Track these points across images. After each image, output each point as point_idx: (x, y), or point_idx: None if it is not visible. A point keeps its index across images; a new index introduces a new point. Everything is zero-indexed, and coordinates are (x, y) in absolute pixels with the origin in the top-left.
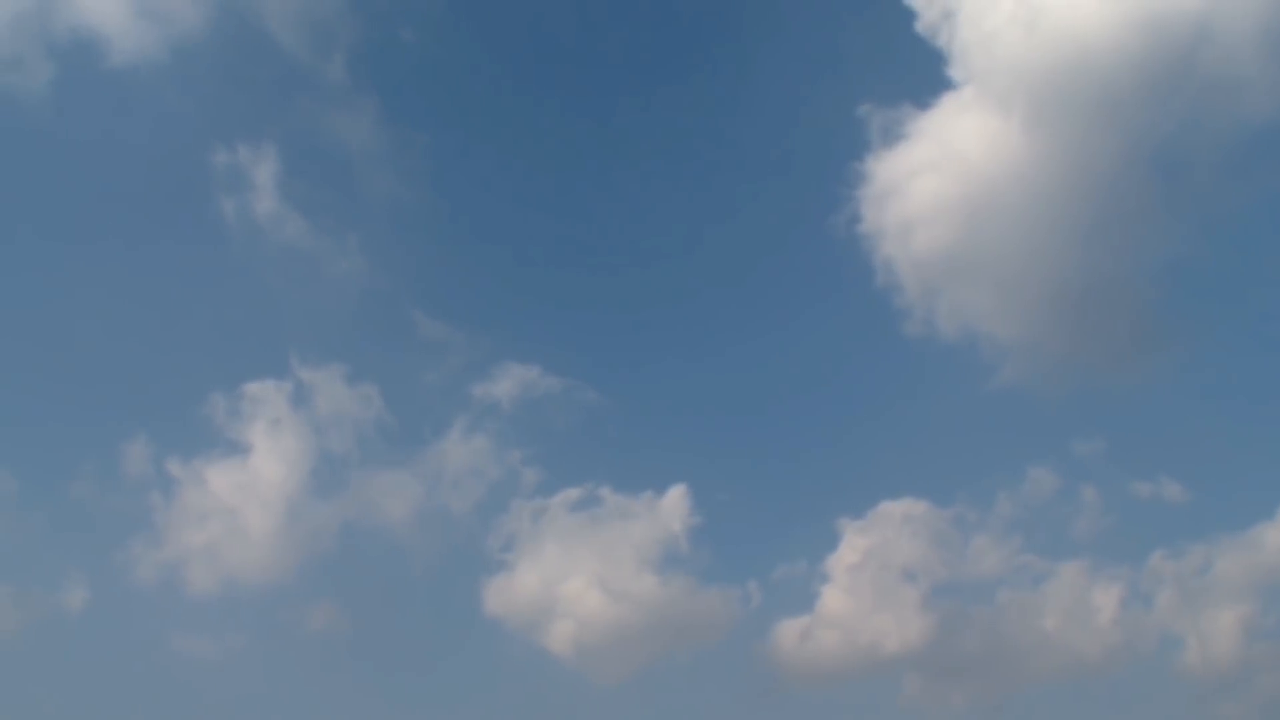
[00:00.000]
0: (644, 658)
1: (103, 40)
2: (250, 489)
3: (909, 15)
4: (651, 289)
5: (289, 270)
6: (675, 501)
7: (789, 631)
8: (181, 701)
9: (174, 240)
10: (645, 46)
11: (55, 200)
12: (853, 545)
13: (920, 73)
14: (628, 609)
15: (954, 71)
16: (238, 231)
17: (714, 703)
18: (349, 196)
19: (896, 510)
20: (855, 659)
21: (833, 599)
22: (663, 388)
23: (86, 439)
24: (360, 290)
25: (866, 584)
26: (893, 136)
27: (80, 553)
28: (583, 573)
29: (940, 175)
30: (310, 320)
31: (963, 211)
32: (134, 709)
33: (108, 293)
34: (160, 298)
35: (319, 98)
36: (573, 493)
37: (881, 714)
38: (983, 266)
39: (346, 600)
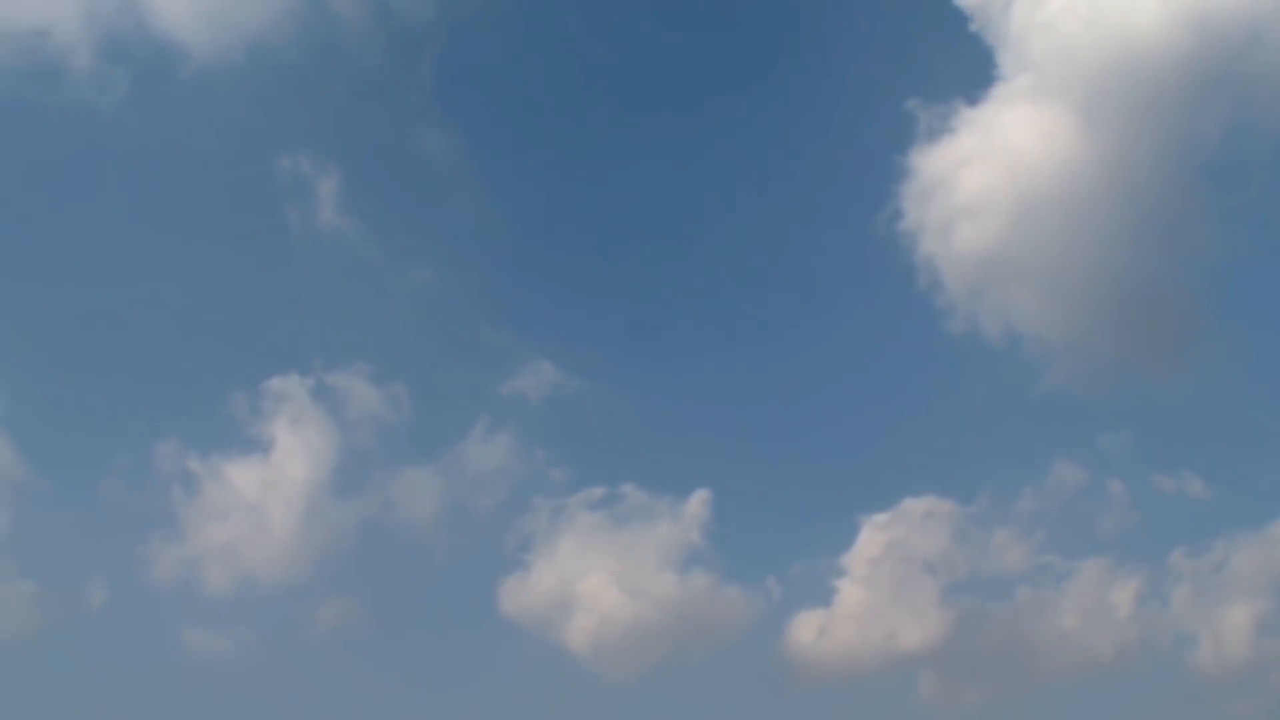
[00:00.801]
0: (661, 655)
1: (178, 45)
2: (272, 486)
3: (960, 9)
4: (684, 284)
5: (317, 268)
6: (697, 500)
7: (806, 629)
8: (203, 698)
9: (214, 241)
10: (702, 48)
11: (117, 201)
12: (873, 542)
13: (970, 67)
14: (646, 606)
15: (1005, 66)
16: (271, 227)
17: (730, 699)
18: (386, 196)
19: (918, 507)
20: (873, 656)
21: (851, 596)
22: (688, 383)
23: (117, 437)
24: (385, 288)
25: (886, 581)
26: (940, 131)
27: (104, 550)
28: (602, 571)
29: (988, 170)
30: (334, 317)
31: (1009, 207)
32: (153, 705)
33: (142, 294)
34: (194, 297)
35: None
36: (595, 491)
37: (898, 712)
38: (1026, 264)
39: (366, 597)
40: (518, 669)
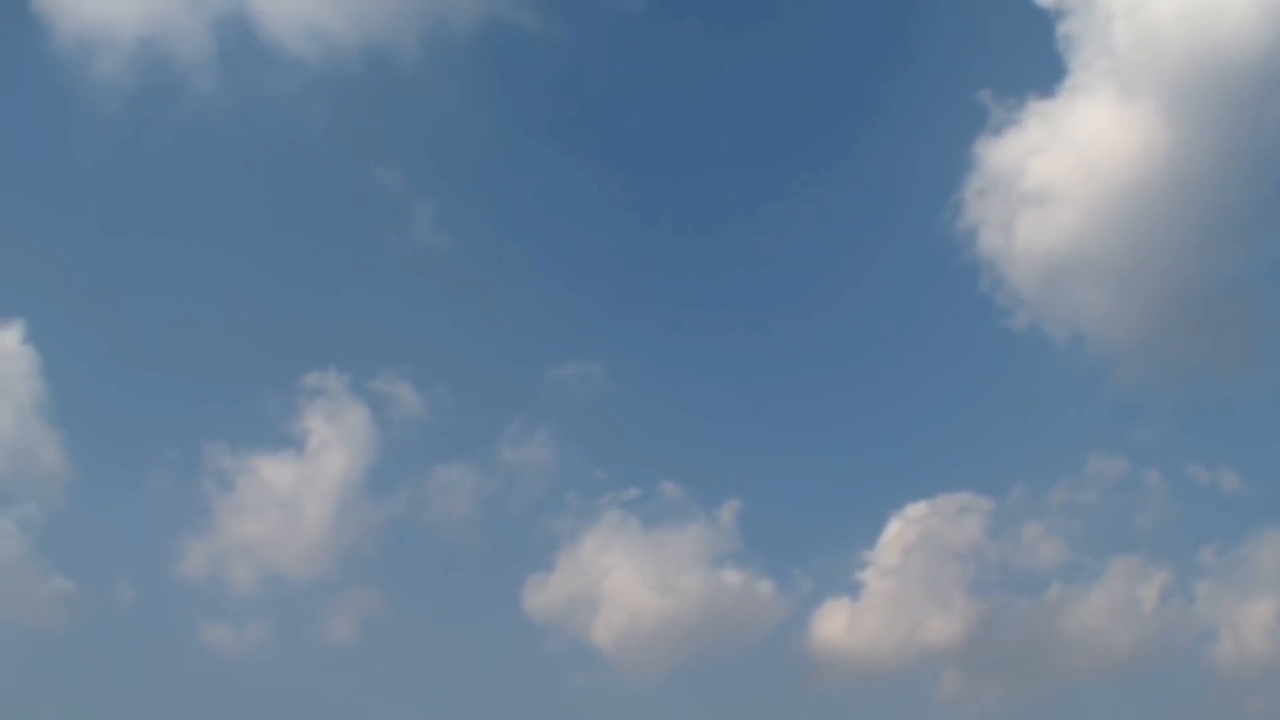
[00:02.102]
0: (688, 652)
1: (281, 50)
2: (307, 483)
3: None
4: (734, 280)
5: (357, 267)
6: (730, 497)
7: (834, 624)
8: (232, 693)
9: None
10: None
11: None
12: (903, 537)
13: (1044, 58)
14: (675, 603)
15: (1080, 58)
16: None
17: (755, 694)
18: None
19: (951, 503)
20: (899, 652)
21: (879, 592)
22: (726, 381)
23: (161, 434)
24: (424, 287)
25: (914, 577)
26: (1011, 124)
27: (140, 546)
28: (632, 568)
29: (1059, 164)
30: (374, 316)
31: (1079, 203)
32: (180, 701)
33: (197, 292)
34: (246, 294)
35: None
36: (629, 490)
37: (923, 707)
38: (1095, 261)
39: (397, 594)
40: (545, 666)
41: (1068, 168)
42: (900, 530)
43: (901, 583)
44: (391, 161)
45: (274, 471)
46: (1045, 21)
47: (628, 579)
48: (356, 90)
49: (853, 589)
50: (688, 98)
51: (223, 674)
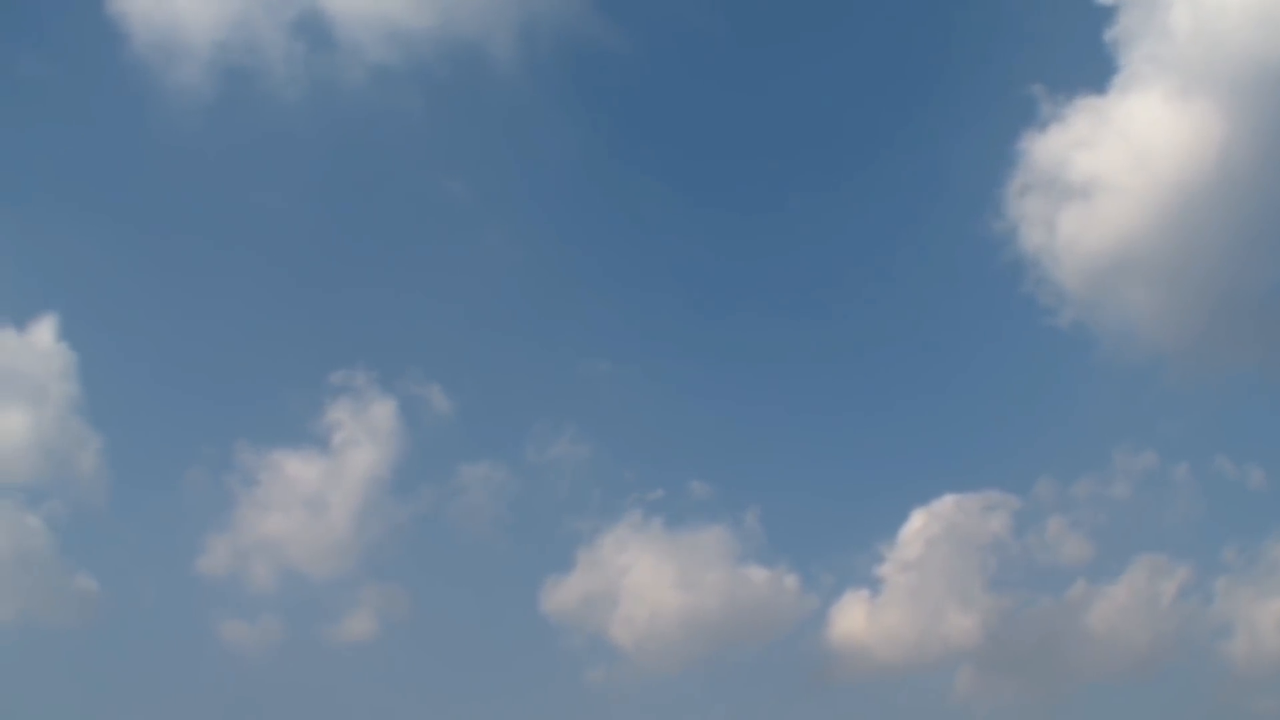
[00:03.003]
0: (708, 648)
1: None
2: (332, 482)
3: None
4: (764, 275)
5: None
6: (754, 496)
7: (853, 620)
8: (255, 688)
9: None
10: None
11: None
12: (925, 533)
13: (1098, 54)
14: (696, 600)
15: (1135, 53)
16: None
17: (773, 690)
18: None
19: (974, 500)
20: (919, 650)
21: (899, 588)
22: (752, 376)
23: (192, 433)
24: (453, 284)
25: (936, 574)
26: (1061, 119)
27: (164, 544)
28: (654, 566)
29: (1108, 161)
30: (403, 315)
31: (1130, 200)
32: (200, 697)
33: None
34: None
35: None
36: (654, 490)
37: (943, 703)
38: (1141, 259)
39: (418, 591)
40: (564, 663)
41: (1118, 164)
42: (923, 525)
43: (923, 579)
44: (452, 165)
45: (300, 469)
46: (1099, 15)
47: (649, 576)
48: (426, 93)
49: (874, 584)
50: (732, 97)
51: (245, 669)
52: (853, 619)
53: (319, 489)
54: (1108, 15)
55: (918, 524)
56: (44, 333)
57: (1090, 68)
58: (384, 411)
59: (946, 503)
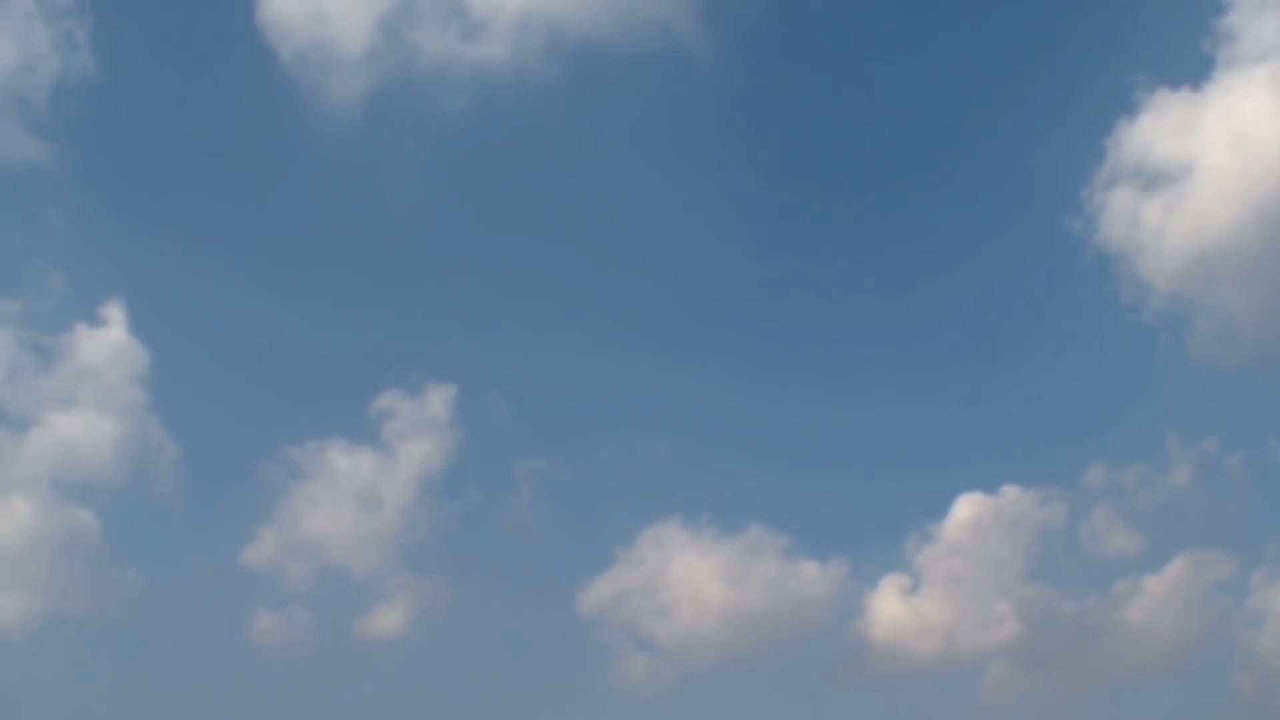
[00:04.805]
0: (745, 641)
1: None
2: (383, 478)
3: None
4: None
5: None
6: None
7: (890, 614)
8: (304, 680)
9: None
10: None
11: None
12: (969, 526)
13: (1199, 44)
14: (738, 594)
15: (1237, 46)
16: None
17: (808, 683)
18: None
19: (1019, 491)
20: (957, 644)
21: (939, 582)
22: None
23: (248, 429)
24: (514, 284)
25: (979, 566)
26: (1160, 110)
27: (214, 539)
28: (694, 564)
29: (1210, 155)
30: (461, 323)
31: (1225, 195)
32: (242, 691)
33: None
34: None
35: None
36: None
37: (979, 697)
38: (1233, 255)
39: (463, 587)
40: (607, 659)
41: (1217, 158)
42: (968, 515)
43: (965, 569)
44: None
45: (351, 465)
46: (1203, 6)
47: (690, 572)
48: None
49: (915, 575)
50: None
51: (285, 661)
52: (891, 611)
53: (371, 483)
54: (1212, 5)
55: (963, 513)
56: (114, 327)
57: (1191, 59)
58: (439, 408)
59: (993, 493)
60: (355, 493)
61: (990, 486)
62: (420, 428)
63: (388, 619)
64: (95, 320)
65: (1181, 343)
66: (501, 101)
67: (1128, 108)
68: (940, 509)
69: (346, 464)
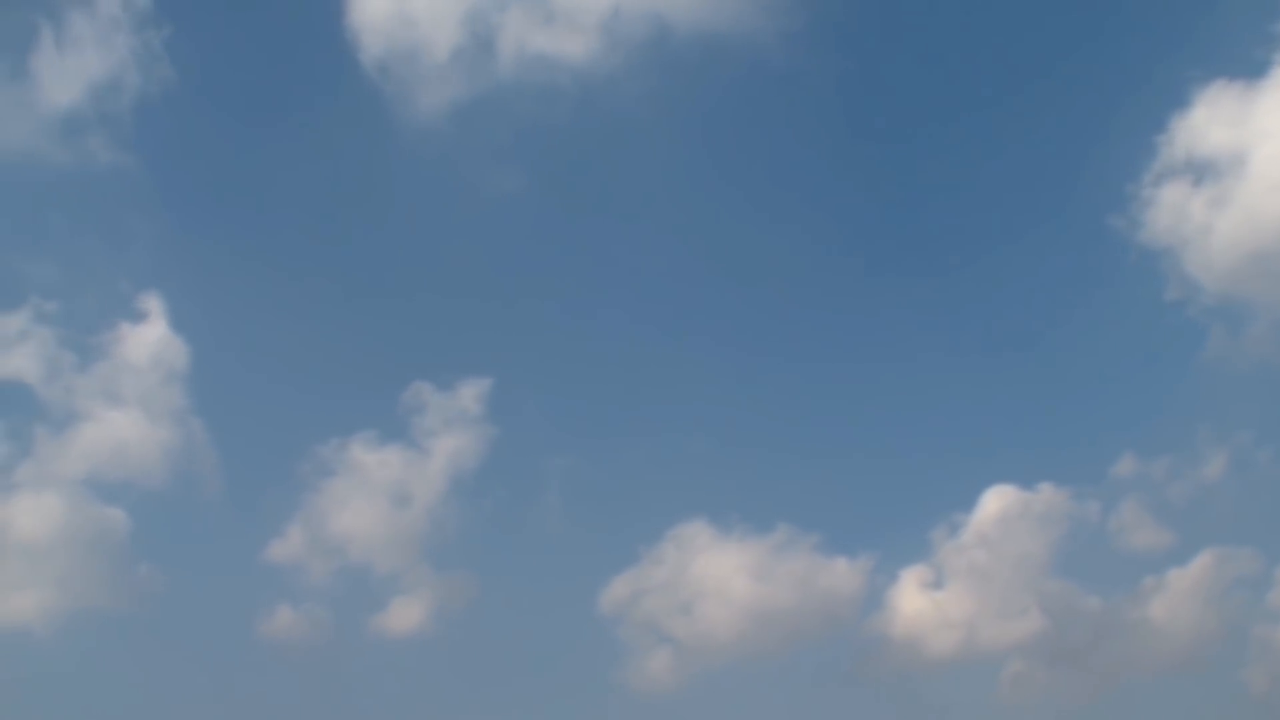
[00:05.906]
0: (767, 640)
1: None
2: (413, 476)
3: None
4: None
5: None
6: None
7: (914, 609)
8: (328, 676)
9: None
10: None
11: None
12: (995, 521)
13: (1256, 38)
14: (765, 591)
15: None
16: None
17: (830, 679)
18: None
19: (1047, 486)
20: (980, 640)
21: (960, 577)
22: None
23: (278, 427)
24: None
25: (1003, 562)
26: (1214, 104)
27: (241, 535)
28: (719, 561)
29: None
30: (500, 321)
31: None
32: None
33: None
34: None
35: None
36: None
37: (1000, 693)
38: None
39: (488, 583)
40: (631, 657)
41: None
42: (995, 509)
43: (990, 564)
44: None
45: (381, 463)
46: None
47: (716, 570)
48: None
49: (937, 571)
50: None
51: (309, 657)
52: (913, 605)
53: (400, 479)
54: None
55: (992, 506)
56: (154, 325)
57: (1248, 53)
58: (470, 403)
59: (1024, 485)
60: (384, 489)
61: (1021, 479)
62: (451, 423)
63: (410, 614)
64: (136, 316)
65: (1229, 339)
66: (567, 98)
67: (1181, 102)
68: (969, 501)
69: (376, 460)
